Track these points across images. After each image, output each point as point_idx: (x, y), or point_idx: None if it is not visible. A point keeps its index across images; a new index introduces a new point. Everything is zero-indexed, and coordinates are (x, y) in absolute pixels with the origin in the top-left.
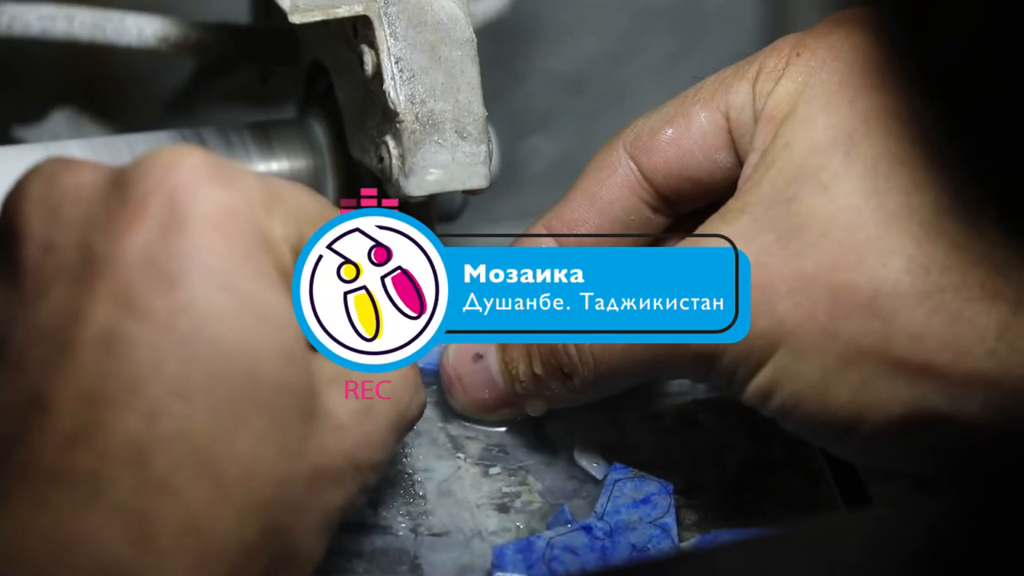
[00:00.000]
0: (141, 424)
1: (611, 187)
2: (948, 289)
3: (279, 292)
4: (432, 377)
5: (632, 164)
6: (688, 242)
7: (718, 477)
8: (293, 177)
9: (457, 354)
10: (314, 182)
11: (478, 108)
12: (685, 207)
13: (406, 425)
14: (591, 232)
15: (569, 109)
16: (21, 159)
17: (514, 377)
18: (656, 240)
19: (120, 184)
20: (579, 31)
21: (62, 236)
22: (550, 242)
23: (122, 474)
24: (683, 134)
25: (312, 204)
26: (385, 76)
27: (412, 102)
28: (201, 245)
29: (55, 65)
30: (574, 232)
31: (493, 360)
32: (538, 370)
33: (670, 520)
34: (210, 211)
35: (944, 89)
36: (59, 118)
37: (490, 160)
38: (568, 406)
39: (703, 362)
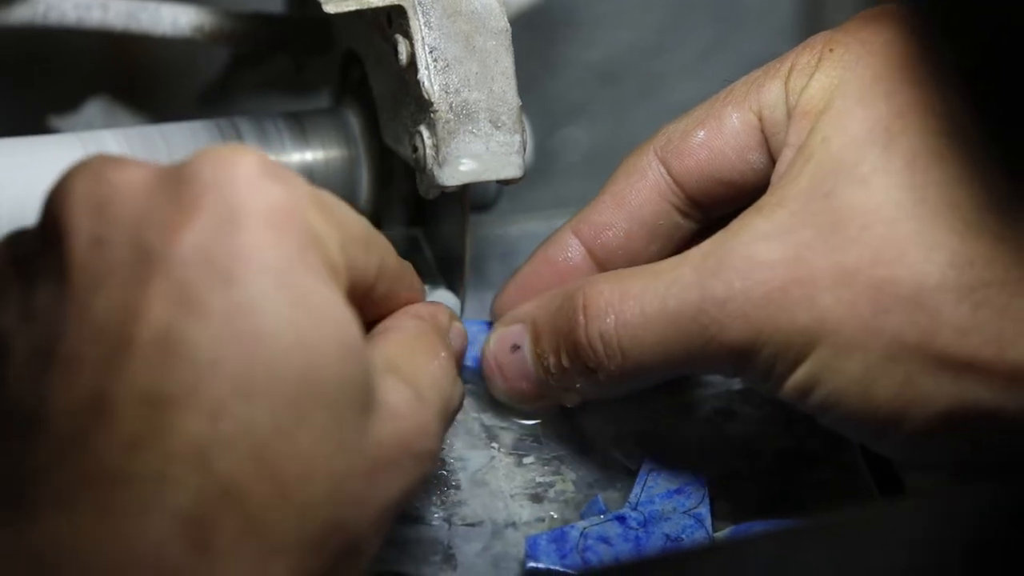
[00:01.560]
0: (203, 424)
1: (640, 191)
2: (993, 284)
3: (332, 288)
4: (472, 373)
5: (662, 168)
6: (721, 236)
7: (752, 468)
8: (328, 166)
9: (498, 343)
10: (348, 172)
11: (512, 98)
12: (715, 211)
13: (451, 415)
14: (620, 236)
15: (604, 100)
16: (56, 149)
17: (546, 369)
18: (687, 244)
19: (174, 181)
20: (614, 22)
21: (112, 232)
22: (581, 251)
23: (185, 475)
24: (715, 136)
25: (356, 221)
26: (419, 66)
27: (446, 92)
28: (256, 242)
29: (90, 54)
30: (601, 236)
31: (528, 352)
32: (566, 363)
33: (704, 510)
34: (264, 209)
35: (980, 84)
36: (94, 108)
37: (524, 150)
38: (602, 398)
39: (739, 357)
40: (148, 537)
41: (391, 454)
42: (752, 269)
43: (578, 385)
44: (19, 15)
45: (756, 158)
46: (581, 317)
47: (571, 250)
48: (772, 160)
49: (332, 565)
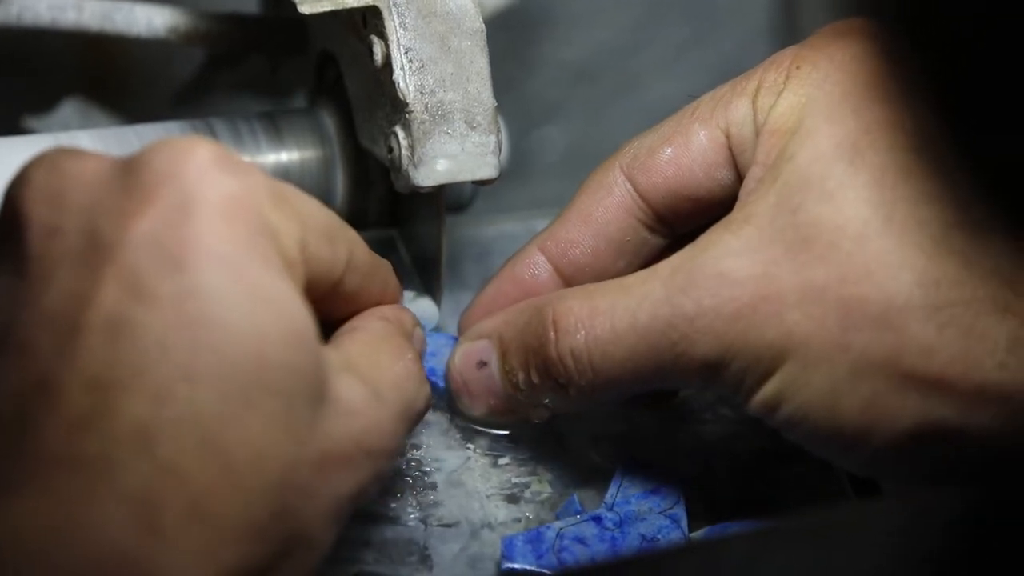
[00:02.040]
0: (148, 407)
1: (607, 208)
2: (959, 303)
3: (284, 279)
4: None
5: (628, 185)
6: (689, 251)
7: (729, 468)
8: (303, 167)
9: (463, 359)
10: (323, 172)
11: (488, 98)
12: (682, 227)
13: (414, 416)
14: (587, 253)
15: (580, 99)
16: (30, 149)
17: (515, 385)
18: (654, 259)
19: (129, 171)
20: (589, 21)
21: (67, 221)
22: (548, 268)
23: (129, 459)
24: (682, 153)
25: (319, 213)
26: (395, 66)
27: (421, 92)
28: (207, 231)
29: (64, 55)
30: (568, 253)
31: (495, 368)
32: (535, 379)
33: (680, 511)
34: (218, 199)
35: (950, 99)
36: (68, 108)
37: (500, 151)
38: (571, 412)
39: (708, 371)
40: (94, 520)
41: (343, 449)
42: (721, 286)
43: (547, 401)
44: None
45: (723, 175)
46: (551, 333)
47: (538, 267)
48: (739, 177)
49: (282, 553)
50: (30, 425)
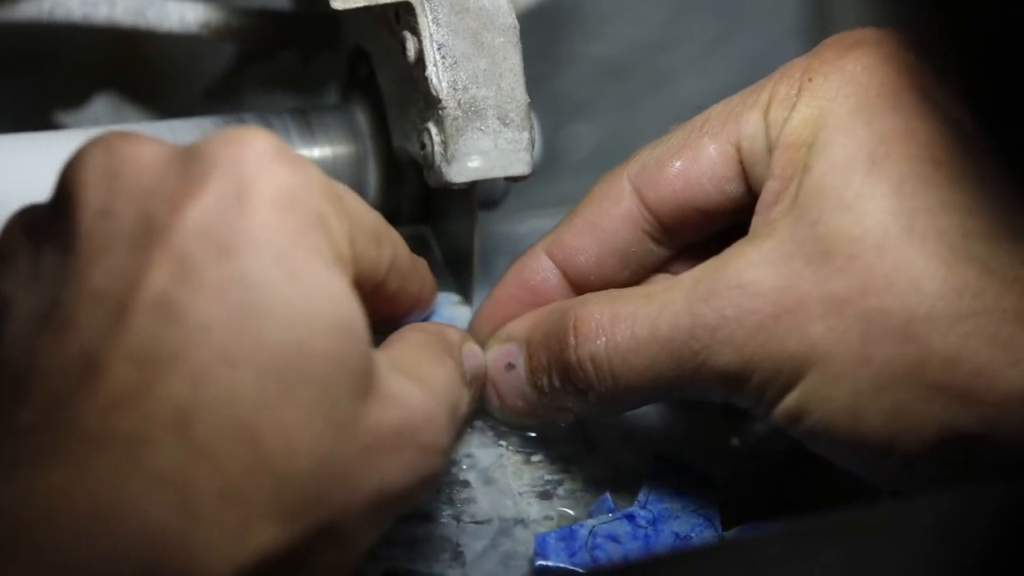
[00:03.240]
0: (186, 389)
1: (613, 218)
2: (981, 313)
3: (334, 270)
4: None
5: (636, 197)
6: (712, 263)
7: (761, 466)
8: (335, 163)
9: (493, 361)
10: (356, 168)
11: (521, 95)
12: (688, 238)
13: (460, 419)
14: (592, 261)
15: (609, 96)
16: (63, 144)
17: (540, 389)
18: (659, 270)
19: (186, 158)
20: (619, 17)
21: (120, 203)
22: (556, 272)
23: (165, 438)
24: (692, 166)
25: (368, 214)
26: (427, 62)
27: (454, 88)
28: (259, 220)
29: (97, 51)
30: (574, 259)
31: (522, 370)
32: (557, 384)
33: (713, 509)
34: (272, 190)
35: (963, 108)
36: (100, 104)
37: (532, 147)
38: (595, 418)
39: (729, 382)
40: (129, 498)
41: (391, 441)
42: (743, 297)
43: (570, 405)
44: (26, 11)
45: (733, 188)
46: (572, 338)
47: (545, 271)
48: (749, 189)
49: (316, 541)
50: (69, 400)
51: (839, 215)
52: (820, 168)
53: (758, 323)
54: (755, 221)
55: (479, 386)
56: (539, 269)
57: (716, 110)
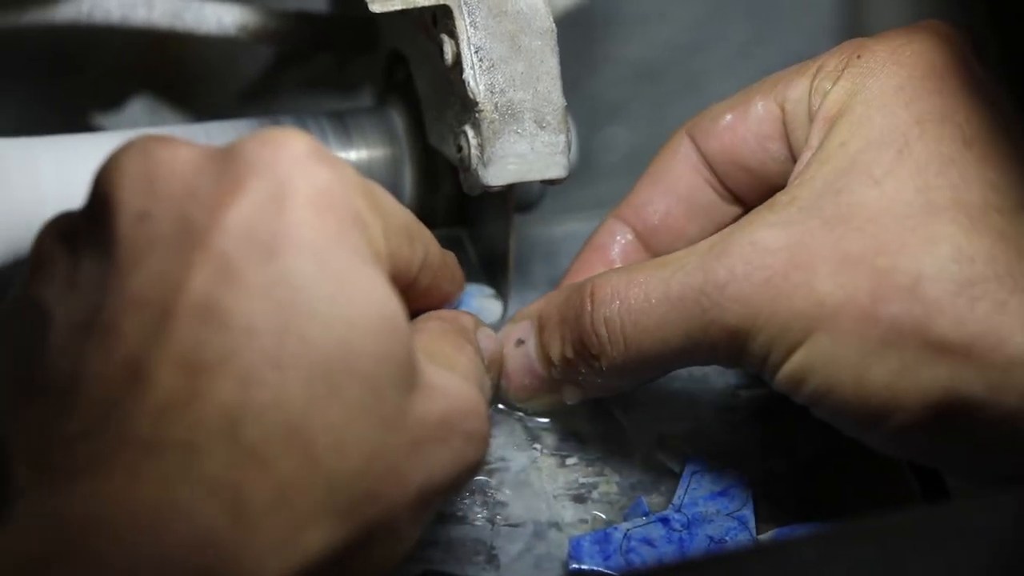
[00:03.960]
0: (234, 393)
1: (673, 166)
2: (992, 279)
3: (373, 268)
4: None
5: (692, 145)
6: (730, 227)
7: (794, 469)
8: (371, 166)
9: (504, 339)
10: (392, 171)
11: (557, 98)
12: (750, 199)
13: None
14: (659, 211)
15: (644, 98)
16: (100, 146)
17: (548, 360)
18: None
19: (223, 160)
20: (654, 20)
21: (158, 207)
22: (625, 230)
23: (215, 444)
24: (740, 121)
25: (401, 213)
26: (465, 65)
27: (492, 91)
28: (299, 220)
29: (134, 52)
30: (641, 214)
31: (532, 344)
32: (568, 353)
33: (748, 513)
34: (311, 190)
35: (1008, 100)
36: (137, 106)
37: (569, 150)
38: (605, 395)
39: (736, 341)
40: (180, 505)
41: (437, 432)
42: (754, 254)
43: (580, 377)
44: (64, 13)
45: (776, 148)
46: (588, 304)
47: (617, 234)
48: (790, 154)
49: (366, 539)
50: (116, 408)
51: (865, 188)
52: (854, 144)
53: (766, 279)
54: (784, 190)
55: (497, 370)
56: (610, 231)
57: (773, 75)
